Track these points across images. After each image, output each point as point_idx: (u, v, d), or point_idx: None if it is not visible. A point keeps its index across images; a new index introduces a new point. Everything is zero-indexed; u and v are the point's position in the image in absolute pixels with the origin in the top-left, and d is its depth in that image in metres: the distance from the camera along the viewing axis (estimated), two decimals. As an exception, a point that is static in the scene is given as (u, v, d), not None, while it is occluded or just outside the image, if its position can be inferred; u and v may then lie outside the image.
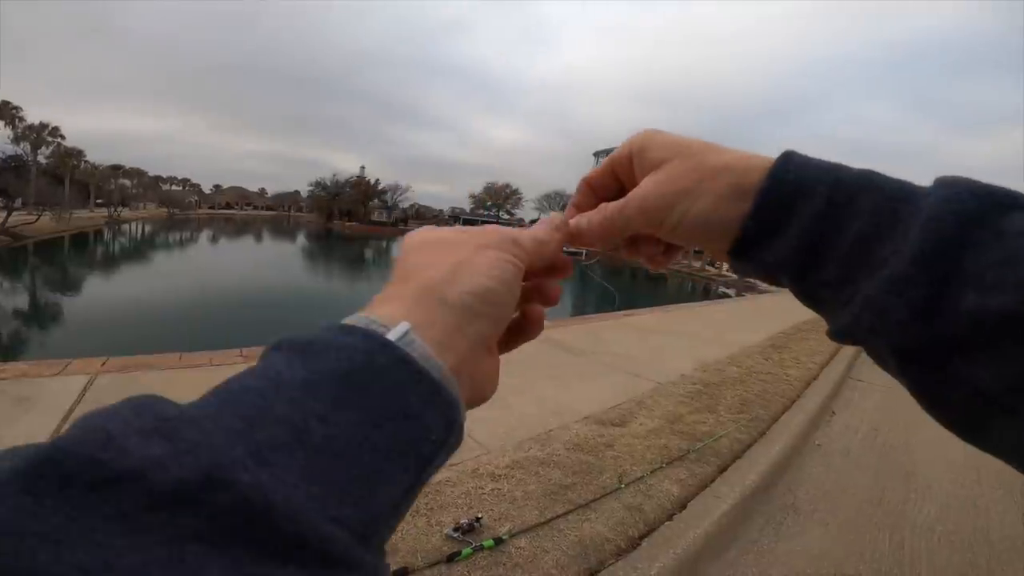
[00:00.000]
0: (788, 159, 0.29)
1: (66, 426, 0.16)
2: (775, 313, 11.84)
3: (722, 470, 2.93)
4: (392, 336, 0.22)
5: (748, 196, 0.29)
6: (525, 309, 0.33)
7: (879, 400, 5.39)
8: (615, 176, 0.36)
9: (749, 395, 4.39)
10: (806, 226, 0.27)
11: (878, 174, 0.27)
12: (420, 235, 0.30)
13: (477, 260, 0.27)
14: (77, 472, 0.14)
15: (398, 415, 0.20)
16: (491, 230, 0.30)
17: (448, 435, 0.22)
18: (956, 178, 0.25)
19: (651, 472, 2.70)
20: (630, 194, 0.33)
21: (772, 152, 0.30)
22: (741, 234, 0.29)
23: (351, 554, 0.17)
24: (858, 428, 4.40)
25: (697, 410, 3.85)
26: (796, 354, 6.55)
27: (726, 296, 24.73)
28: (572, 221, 0.37)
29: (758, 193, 0.28)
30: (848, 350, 7.45)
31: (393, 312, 0.23)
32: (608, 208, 0.34)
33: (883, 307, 0.24)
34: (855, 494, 3.13)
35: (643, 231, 0.34)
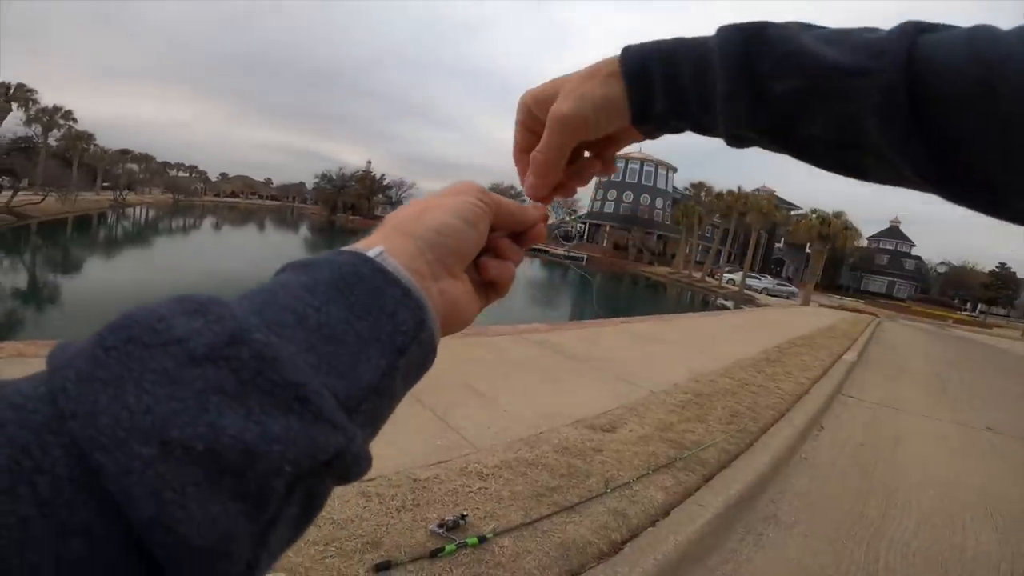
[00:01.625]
0: (627, 47, 0.39)
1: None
2: (771, 327, 11.88)
3: (707, 479, 2.96)
4: (371, 254, 0.26)
5: (616, 75, 0.38)
6: (490, 266, 0.36)
7: (868, 417, 5.43)
8: (533, 134, 0.42)
9: (740, 407, 4.41)
10: (662, 81, 0.37)
11: (682, 38, 0.38)
12: (401, 207, 0.35)
13: (442, 203, 0.32)
14: (137, 335, 0.19)
15: (377, 310, 0.25)
16: (464, 183, 0.35)
17: (419, 330, 0.26)
18: (726, 25, 0.36)
19: (637, 478, 2.72)
20: (547, 123, 0.39)
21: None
22: (630, 102, 0.38)
23: (337, 416, 0.20)
24: (845, 443, 4.44)
25: (687, 419, 3.87)
26: (789, 368, 6.58)
27: (724, 308, 24.73)
28: (525, 186, 0.42)
29: (621, 68, 0.38)
30: (840, 367, 7.49)
31: (371, 243, 0.28)
32: (537, 149, 0.41)
33: (734, 115, 0.35)
34: (836, 508, 3.16)
35: (571, 145, 0.40)
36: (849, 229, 33.93)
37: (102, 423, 0.16)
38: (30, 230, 26.07)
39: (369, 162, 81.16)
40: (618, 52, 0.39)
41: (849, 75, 0.30)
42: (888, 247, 65.64)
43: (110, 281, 15.26)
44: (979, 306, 60.32)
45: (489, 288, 0.37)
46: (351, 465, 0.21)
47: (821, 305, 29.32)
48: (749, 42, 0.34)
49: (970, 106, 0.27)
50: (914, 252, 65.93)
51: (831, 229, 33.05)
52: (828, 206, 35.88)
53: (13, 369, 3.08)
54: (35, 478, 0.15)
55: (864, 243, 54.13)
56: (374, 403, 0.23)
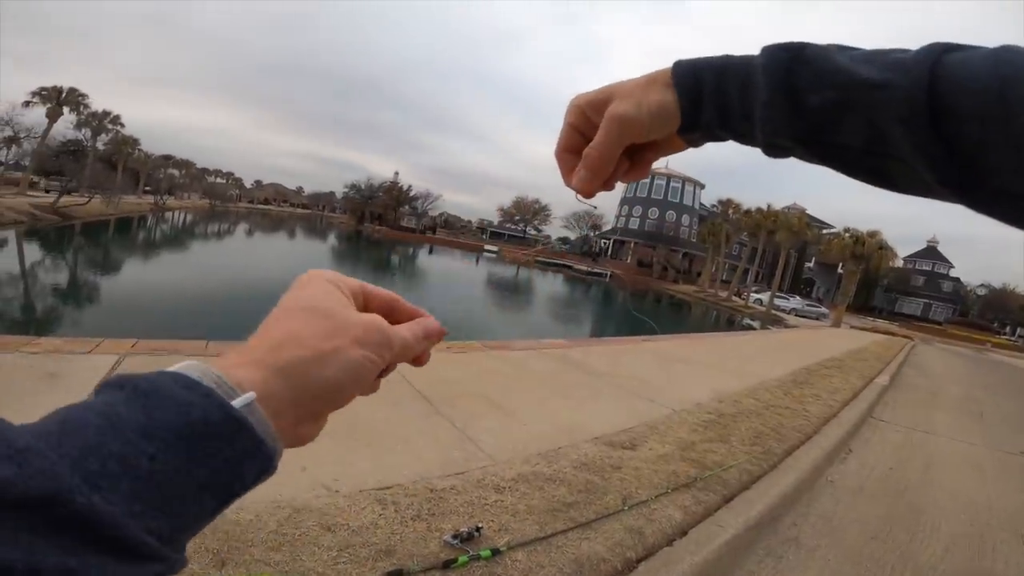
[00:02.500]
0: (679, 62, 0.42)
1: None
2: (799, 348, 11.58)
3: (728, 500, 2.89)
4: (236, 403, 0.25)
5: (669, 84, 0.41)
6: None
7: (900, 440, 5.26)
8: (581, 135, 0.44)
9: (764, 428, 4.30)
10: (712, 94, 0.40)
11: (730, 55, 0.41)
12: (309, 289, 0.33)
13: (344, 356, 0.30)
14: None
15: (221, 461, 0.24)
16: (374, 328, 0.32)
17: (257, 481, 0.26)
18: (770, 44, 0.39)
19: (656, 497, 2.67)
20: (603, 122, 0.42)
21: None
22: (681, 111, 0.41)
23: (159, 552, 0.22)
24: (874, 467, 4.30)
25: (710, 439, 3.79)
26: (817, 391, 6.39)
27: (750, 328, 24.22)
28: (573, 179, 0.44)
29: (673, 79, 0.41)
30: (871, 391, 7.26)
31: (248, 377, 0.27)
32: (591, 146, 0.43)
33: (772, 124, 0.38)
34: (861, 531, 3.07)
35: (624, 143, 0.42)
36: (884, 249, 32.99)
37: None
38: (74, 230, 27.16)
39: (397, 173, 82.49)
40: (668, 65, 0.42)
41: (877, 88, 0.33)
42: (925, 268, 63.59)
43: (146, 282, 15.76)
44: (1019, 330, 57.72)
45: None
46: None
47: (853, 327, 28.46)
48: (790, 60, 0.37)
49: (985, 118, 0.29)
50: (952, 273, 63.69)
51: (865, 249, 32.14)
52: (862, 225, 34.99)
53: (51, 364, 3.21)
54: None
55: (899, 263, 52.54)
56: (196, 528, 0.24)
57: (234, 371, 0.27)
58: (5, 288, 12.29)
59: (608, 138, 0.42)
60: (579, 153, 0.44)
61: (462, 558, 1.86)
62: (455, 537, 1.98)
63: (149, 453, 0.22)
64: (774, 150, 0.40)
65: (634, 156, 0.46)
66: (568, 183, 0.45)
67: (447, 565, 1.82)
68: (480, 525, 2.10)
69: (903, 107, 0.32)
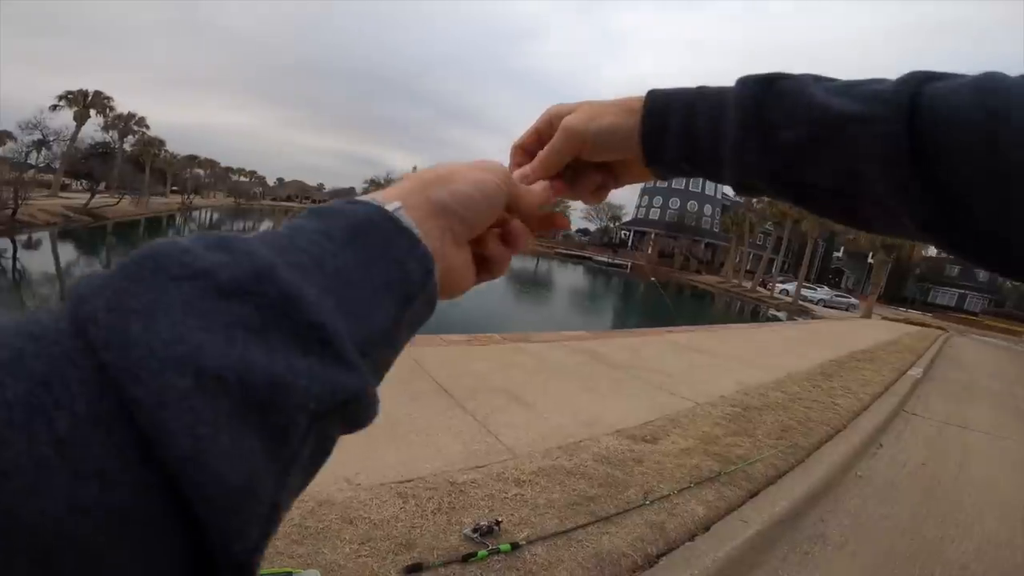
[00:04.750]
0: (653, 91, 0.41)
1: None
2: (828, 340, 11.33)
3: (753, 495, 2.84)
4: (388, 208, 0.27)
5: (636, 112, 0.40)
6: (492, 244, 0.37)
7: (933, 435, 5.11)
8: (540, 140, 0.45)
9: (791, 422, 4.22)
10: (678, 126, 0.39)
11: (705, 87, 0.40)
12: (444, 164, 0.36)
13: (467, 174, 0.33)
14: (165, 266, 0.18)
15: (388, 259, 0.25)
16: (491, 163, 0.36)
17: (426, 281, 0.27)
18: (744, 76, 0.37)
19: (678, 491, 2.64)
20: (558, 129, 0.42)
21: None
22: (642, 140, 0.40)
23: (355, 359, 0.21)
24: (905, 462, 4.19)
25: (734, 433, 3.73)
26: (847, 383, 6.25)
27: (776, 319, 23.77)
28: (515, 174, 0.43)
29: (643, 106, 0.40)
30: (904, 383, 7.06)
31: (389, 196, 0.29)
32: (546, 146, 0.43)
33: (741, 162, 0.37)
34: (891, 528, 3.00)
35: (570, 154, 0.42)
36: (916, 238, 31.99)
37: (136, 354, 0.16)
38: (106, 230, 28.00)
39: (415, 167, 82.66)
40: (644, 92, 0.42)
41: (852, 122, 0.31)
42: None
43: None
44: (1061, 321, 55.47)
45: (484, 267, 0.37)
46: (364, 408, 0.21)
47: (884, 318, 27.72)
48: (762, 93, 0.35)
49: (971, 155, 0.27)
50: (989, 263, 61.42)
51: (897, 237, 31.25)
52: (893, 213, 33.68)
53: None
54: (53, 414, 0.14)
55: (932, 253, 50.91)
56: (382, 350, 0.24)
57: (379, 195, 0.29)
58: (44, 287, 12.75)
59: (554, 144, 0.42)
60: (529, 153, 0.46)
61: (481, 552, 1.87)
62: (475, 531, 1.99)
63: (331, 250, 0.23)
64: (745, 189, 0.39)
65: (613, 176, 0.46)
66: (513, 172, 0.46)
67: (467, 559, 1.83)
68: (500, 519, 2.10)
69: (880, 142, 0.29)
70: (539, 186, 0.41)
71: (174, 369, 0.16)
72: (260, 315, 0.18)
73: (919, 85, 0.29)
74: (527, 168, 0.44)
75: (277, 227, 0.25)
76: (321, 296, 0.21)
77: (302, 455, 0.19)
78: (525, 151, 0.46)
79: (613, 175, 0.46)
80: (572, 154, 0.43)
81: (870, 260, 45.84)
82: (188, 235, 0.21)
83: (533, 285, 29.98)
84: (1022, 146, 0.26)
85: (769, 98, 0.35)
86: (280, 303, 0.19)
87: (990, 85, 0.27)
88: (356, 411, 0.21)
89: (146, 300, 0.17)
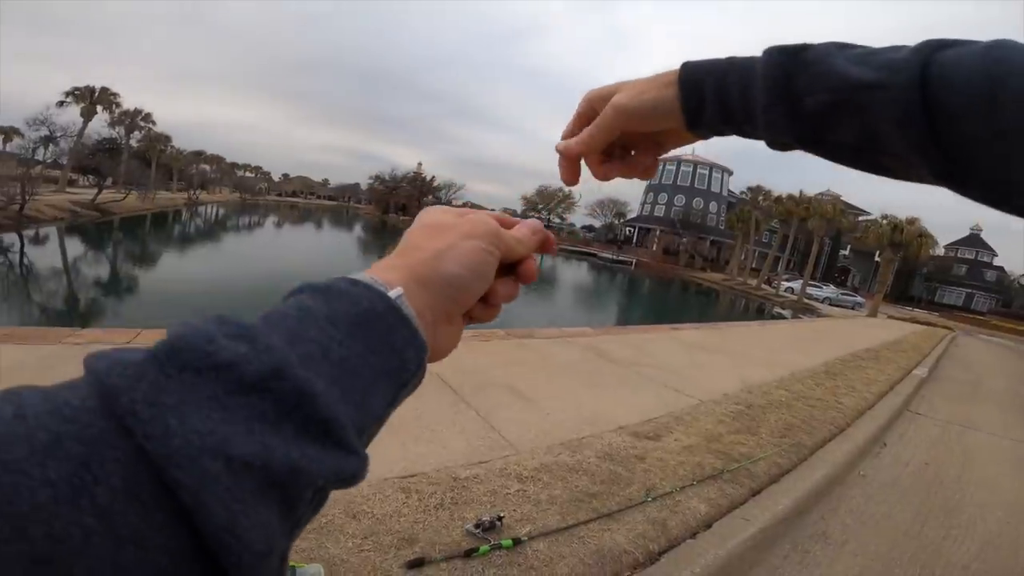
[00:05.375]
0: (686, 63, 0.44)
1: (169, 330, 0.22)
2: (833, 338, 11.28)
3: (755, 493, 2.83)
4: (391, 294, 0.28)
5: (672, 84, 0.44)
6: (487, 295, 0.38)
7: (937, 435, 5.10)
8: (586, 123, 0.48)
9: (795, 420, 4.21)
10: (713, 95, 0.42)
11: (734, 57, 0.43)
12: (426, 215, 0.38)
13: (458, 248, 0.34)
14: (191, 361, 0.20)
15: (389, 349, 0.27)
16: (480, 221, 0.37)
17: (418, 369, 0.29)
18: (770, 47, 0.40)
19: (680, 488, 2.64)
20: (605, 108, 0.46)
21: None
22: (683, 109, 0.43)
23: (353, 443, 0.23)
24: (909, 461, 4.19)
25: (737, 431, 3.73)
26: (852, 382, 6.22)
27: (781, 317, 23.66)
28: (559, 145, 0.49)
29: (677, 79, 0.44)
30: (909, 383, 7.02)
31: (391, 279, 0.30)
32: (591, 124, 0.47)
33: (773, 126, 0.40)
34: (892, 527, 2.99)
35: (616, 129, 0.46)
36: (924, 236, 31.71)
37: (175, 444, 0.18)
38: (112, 225, 28.13)
39: (420, 164, 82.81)
40: (677, 65, 0.46)
41: (869, 89, 0.34)
42: (967, 256, 60.94)
43: (182, 274, 16.26)
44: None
45: (473, 318, 0.38)
46: (358, 479, 0.24)
47: (890, 317, 27.56)
48: (788, 63, 0.39)
49: (974, 115, 0.30)
50: (996, 262, 60.90)
51: (904, 236, 30.96)
52: (901, 212, 33.37)
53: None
54: (94, 490, 0.17)
55: (940, 251, 50.50)
56: (376, 427, 0.27)
57: (380, 275, 0.30)
58: (51, 282, 12.83)
59: (603, 121, 0.46)
60: None
61: (483, 547, 1.87)
62: (477, 526, 1.99)
63: (337, 339, 0.25)
64: (778, 145, 0.43)
65: (655, 146, 0.50)
66: (558, 148, 0.50)
67: (468, 554, 1.84)
68: (502, 514, 2.11)
69: (895, 107, 0.33)
70: (528, 235, 0.40)
71: (208, 456, 0.19)
72: (276, 409, 0.21)
73: (931, 53, 0.33)
74: (572, 141, 0.48)
75: (276, 306, 0.27)
76: (328, 388, 0.23)
77: (306, 517, 0.23)
78: (572, 137, 0.49)
79: (660, 145, 0.50)
80: (619, 130, 0.46)
81: (877, 258, 45.55)
82: (207, 319, 0.23)
83: (537, 281, 29.95)
84: (1018, 107, 0.29)
85: (794, 68, 0.38)
86: (294, 398, 0.22)
87: (996, 53, 0.31)
88: (352, 482, 0.24)
89: (179, 397, 0.19)
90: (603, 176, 0.50)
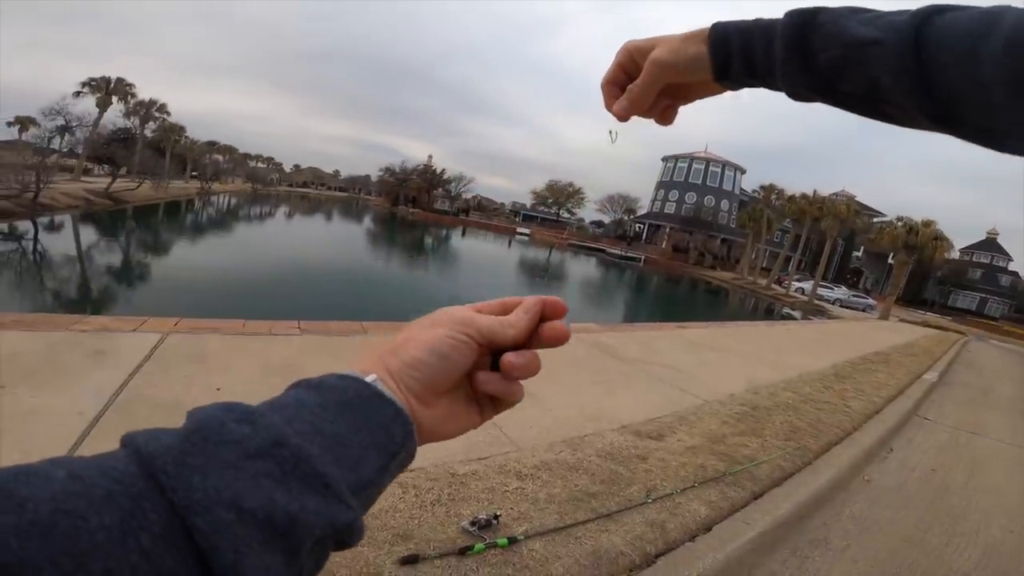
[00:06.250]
0: (715, 24, 0.50)
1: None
2: (843, 341, 11.15)
3: (757, 496, 2.80)
4: (368, 379, 0.33)
5: (705, 41, 0.50)
6: (486, 381, 0.39)
7: (945, 441, 5.03)
8: (626, 73, 0.55)
9: (801, 423, 4.16)
10: (739, 50, 0.48)
11: (760, 18, 0.49)
12: (414, 321, 0.41)
13: (420, 337, 0.37)
14: (209, 436, 0.26)
15: (375, 424, 0.31)
16: (449, 315, 0.39)
17: (407, 440, 0.33)
18: (791, 9, 0.46)
19: (681, 490, 2.62)
20: (645, 65, 0.52)
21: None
22: (712, 62, 0.50)
23: (345, 497, 0.27)
24: (915, 467, 4.14)
25: (741, 432, 3.69)
26: (860, 385, 6.15)
27: (790, 318, 23.44)
28: (615, 107, 0.55)
29: (709, 37, 0.50)
30: (918, 387, 6.93)
31: (367, 369, 0.35)
32: (634, 83, 0.53)
33: (790, 77, 0.46)
34: (895, 533, 2.95)
35: (661, 83, 0.52)
36: (939, 239, 31.19)
37: (196, 496, 0.23)
38: (126, 214, 28.41)
39: (430, 156, 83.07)
40: (707, 25, 0.51)
41: (872, 45, 0.40)
42: (982, 260, 59.98)
43: (193, 263, 16.39)
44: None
45: (494, 403, 0.41)
46: (354, 533, 0.28)
47: (902, 320, 27.25)
48: (804, 23, 0.44)
49: (959, 67, 0.35)
50: (1012, 267, 59.89)
51: (919, 239, 30.48)
52: (917, 214, 32.88)
53: (98, 342, 3.36)
54: (139, 534, 0.21)
55: (955, 255, 49.77)
56: (370, 491, 0.30)
57: (359, 367, 0.36)
58: (63, 269, 12.98)
59: (648, 77, 0.52)
60: (620, 87, 0.55)
61: (478, 545, 1.86)
62: (473, 524, 1.98)
63: (328, 419, 0.30)
64: (797, 97, 0.48)
65: (682, 95, 0.56)
66: (609, 108, 0.55)
67: (463, 552, 1.83)
68: (499, 512, 2.10)
69: (892, 61, 0.39)
70: (520, 319, 0.40)
71: (223, 508, 0.23)
72: (280, 468, 0.26)
73: (929, 15, 0.38)
74: (624, 102, 0.54)
75: (277, 397, 0.32)
76: (322, 453, 0.28)
77: (307, 568, 0.27)
78: (615, 84, 0.55)
79: (681, 96, 0.56)
80: (663, 83, 0.52)
81: (890, 261, 44.97)
82: (217, 406, 0.28)
83: (545, 275, 29.90)
84: (997, 62, 0.33)
85: (810, 27, 0.44)
86: (293, 459, 0.26)
87: (986, 15, 0.35)
88: (347, 535, 0.28)
89: (200, 460, 0.25)
90: (622, 116, 0.55)
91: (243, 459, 0.25)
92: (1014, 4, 0.35)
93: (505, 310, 0.41)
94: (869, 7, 0.44)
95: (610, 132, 0.60)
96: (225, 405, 0.28)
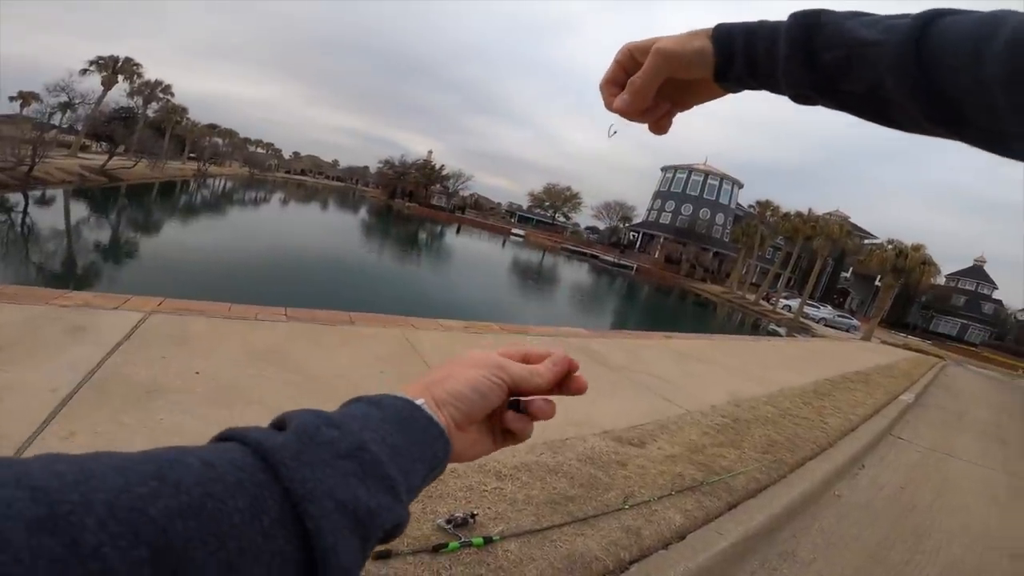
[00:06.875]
0: (719, 24, 0.50)
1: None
2: (825, 359, 11.27)
3: (732, 507, 2.82)
4: (418, 402, 0.38)
5: (709, 39, 0.50)
6: (513, 420, 0.46)
7: (915, 460, 5.13)
8: (625, 72, 0.53)
9: (779, 437, 4.20)
10: (742, 49, 0.48)
11: (763, 20, 0.49)
12: (455, 356, 0.46)
13: (461, 374, 0.43)
14: (311, 437, 0.30)
15: (424, 440, 0.37)
16: (482, 356, 0.45)
17: (446, 457, 0.38)
18: (795, 11, 0.47)
19: (658, 498, 2.63)
20: (648, 56, 0.51)
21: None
22: (716, 60, 0.49)
23: (406, 499, 0.33)
24: (884, 484, 4.22)
25: (721, 444, 3.72)
26: (839, 403, 6.22)
27: (776, 334, 23.64)
28: (616, 101, 0.53)
29: (712, 35, 0.50)
30: (894, 408, 7.03)
31: (414, 394, 0.40)
32: (636, 74, 0.52)
33: (793, 76, 0.46)
34: (860, 549, 3.00)
35: (663, 74, 0.51)
36: (927, 264, 31.61)
37: (308, 487, 0.27)
38: (119, 192, 28.06)
39: (430, 152, 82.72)
40: (711, 25, 0.52)
41: (872, 46, 0.41)
42: (967, 287, 60.91)
43: (181, 243, 16.22)
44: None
45: (508, 436, 0.46)
46: (402, 530, 0.33)
47: (884, 342, 27.57)
48: (808, 24, 0.45)
49: (962, 68, 0.35)
50: (996, 295, 60.85)
51: (907, 262, 30.87)
52: (908, 237, 33.25)
53: (78, 318, 3.31)
54: (262, 517, 0.25)
55: (941, 280, 50.44)
56: (413, 495, 0.35)
57: (408, 392, 0.40)
58: (49, 243, 12.80)
59: (650, 68, 0.51)
60: (620, 86, 0.53)
61: (453, 544, 1.85)
62: (449, 522, 1.98)
63: (391, 432, 0.35)
64: (799, 99, 0.48)
65: (680, 100, 0.55)
66: (608, 107, 0.54)
67: (437, 549, 1.82)
68: (476, 512, 2.09)
69: (893, 62, 0.39)
70: (545, 369, 0.46)
71: (327, 498, 0.28)
72: (362, 469, 0.30)
73: (931, 19, 0.38)
74: (625, 95, 0.53)
75: (345, 408, 0.37)
76: (389, 460, 0.32)
77: (368, 555, 0.30)
78: (615, 83, 0.55)
79: (679, 100, 0.55)
80: (667, 75, 0.51)
81: (877, 283, 45.51)
82: (309, 412, 0.33)
83: (536, 279, 29.92)
84: (1000, 62, 0.33)
85: (813, 28, 0.45)
86: (371, 462, 0.31)
87: (990, 20, 0.35)
88: (398, 532, 0.32)
89: (309, 458, 0.29)
90: (623, 110, 0.54)
91: (335, 458, 0.30)
92: (1014, 9, 0.36)
93: (525, 359, 0.47)
94: (870, 12, 0.45)
95: (610, 126, 0.61)
96: (313, 412, 0.33)
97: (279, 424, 0.33)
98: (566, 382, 0.48)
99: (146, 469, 0.24)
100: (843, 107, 0.46)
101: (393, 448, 0.33)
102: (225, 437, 0.30)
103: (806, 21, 0.45)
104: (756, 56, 0.48)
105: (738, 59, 0.49)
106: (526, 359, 0.47)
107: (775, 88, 0.49)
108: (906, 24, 0.39)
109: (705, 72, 0.50)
